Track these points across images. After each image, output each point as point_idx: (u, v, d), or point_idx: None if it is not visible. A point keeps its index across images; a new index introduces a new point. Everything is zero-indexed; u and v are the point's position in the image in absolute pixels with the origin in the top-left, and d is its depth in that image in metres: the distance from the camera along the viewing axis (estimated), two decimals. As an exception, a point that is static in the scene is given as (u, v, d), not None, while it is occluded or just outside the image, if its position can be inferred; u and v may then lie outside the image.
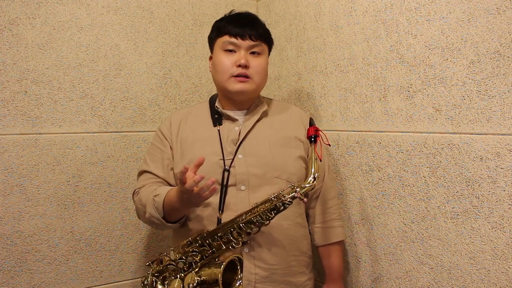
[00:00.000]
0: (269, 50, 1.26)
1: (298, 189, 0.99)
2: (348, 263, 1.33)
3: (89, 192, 1.45)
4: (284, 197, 0.99)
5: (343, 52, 1.33)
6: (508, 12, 0.88)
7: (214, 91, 1.70)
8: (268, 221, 1.02)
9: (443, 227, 1.03)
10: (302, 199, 0.98)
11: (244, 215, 1.03)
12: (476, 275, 0.96)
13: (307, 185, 0.99)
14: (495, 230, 0.92)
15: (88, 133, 1.44)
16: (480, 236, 0.95)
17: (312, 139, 1.04)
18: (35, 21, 1.34)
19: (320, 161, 1.01)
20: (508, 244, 0.89)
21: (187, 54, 1.64)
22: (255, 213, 1.01)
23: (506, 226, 0.90)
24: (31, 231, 1.35)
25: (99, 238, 1.47)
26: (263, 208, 1.01)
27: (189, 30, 1.64)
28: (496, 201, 0.91)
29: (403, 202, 1.13)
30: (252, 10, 1.80)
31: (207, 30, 1.67)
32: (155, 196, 1.10)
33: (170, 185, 1.19)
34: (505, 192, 0.90)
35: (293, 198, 0.99)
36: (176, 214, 1.11)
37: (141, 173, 1.23)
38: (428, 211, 1.06)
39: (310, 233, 1.25)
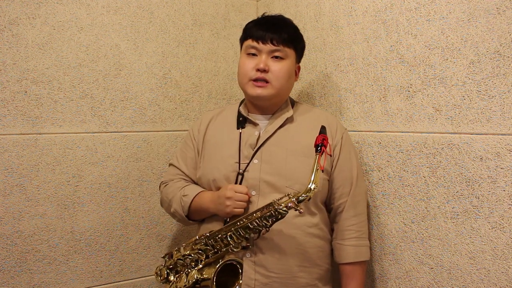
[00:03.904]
0: (299, 55, 1.22)
1: (293, 199, 0.97)
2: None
3: (89, 192, 1.45)
4: (280, 206, 0.98)
5: (343, 52, 1.33)
6: (508, 12, 0.88)
7: (214, 91, 1.71)
8: (266, 228, 1.01)
9: (443, 227, 1.03)
10: (298, 210, 0.96)
11: (243, 219, 1.04)
12: (476, 275, 0.96)
13: (303, 196, 0.96)
14: (495, 230, 0.92)
15: (88, 133, 1.44)
16: (480, 236, 0.95)
17: (318, 149, 0.99)
18: (35, 21, 1.34)
19: (322, 171, 0.98)
20: (508, 244, 0.89)
21: (187, 54, 1.64)
22: (252, 218, 1.02)
23: (506, 226, 0.90)
24: (31, 231, 1.35)
25: (99, 238, 1.47)
26: (260, 214, 1.01)
27: (189, 30, 1.64)
28: (496, 201, 0.91)
29: (403, 202, 1.13)
30: (252, 10, 1.80)
31: (207, 30, 1.68)
32: (183, 195, 1.19)
33: (194, 182, 1.26)
34: (505, 192, 0.90)
35: (288, 208, 0.97)
36: (201, 214, 1.20)
37: (170, 165, 1.33)
38: (428, 211, 1.06)
39: (333, 248, 1.20)
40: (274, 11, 1.70)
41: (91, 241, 1.46)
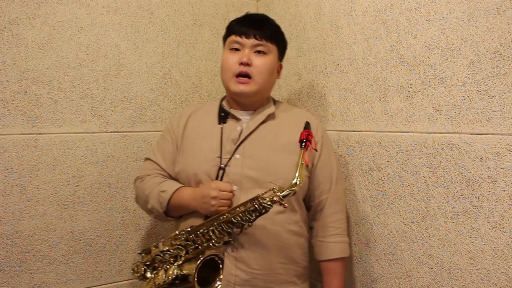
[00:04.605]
0: (281, 52, 1.24)
1: (278, 193, 0.97)
2: (348, 263, 1.33)
3: (89, 192, 1.45)
4: (264, 200, 0.98)
5: (343, 52, 1.33)
6: (508, 12, 0.88)
7: (214, 91, 1.71)
8: (249, 223, 1.01)
9: (443, 227, 1.03)
10: (282, 204, 0.97)
11: (226, 214, 1.03)
12: (476, 275, 0.96)
13: (287, 190, 0.97)
14: (495, 230, 0.92)
15: (88, 133, 1.44)
16: (480, 236, 0.95)
17: (303, 144, 1.01)
18: (35, 21, 1.34)
19: (307, 166, 0.99)
20: (508, 244, 0.89)
21: (187, 54, 1.64)
22: (235, 213, 1.01)
23: (506, 226, 0.90)
24: (31, 231, 1.35)
25: (99, 238, 1.47)
26: (244, 209, 1.01)
27: (189, 30, 1.64)
28: (496, 201, 0.91)
29: (403, 202, 1.13)
30: (252, 10, 1.80)
31: (207, 30, 1.68)
32: (161, 191, 1.16)
33: (171, 177, 1.24)
34: (505, 192, 0.90)
35: (273, 202, 0.98)
36: (181, 211, 1.18)
37: (147, 159, 1.30)
38: (428, 211, 1.06)
39: (313, 245, 1.22)
40: (274, 11, 1.70)
41: (91, 241, 1.46)
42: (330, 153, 1.22)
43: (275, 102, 1.28)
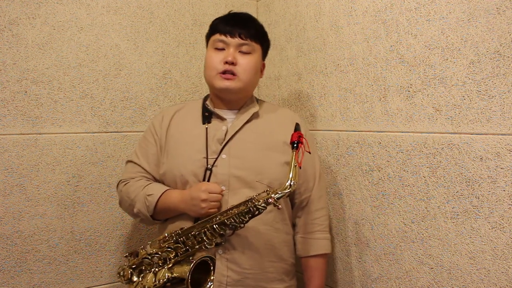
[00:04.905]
0: (264, 51, 1.24)
1: (273, 195, 0.98)
2: (348, 263, 1.33)
3: (89, 192, 1.45)
4: (258, 201, 0.98)
5: (343, 52, 1.33)
6: (508, 12, 0.88)
7: (214, 91, 1.71)
8: (242, 224, 1.01)
9: (443, 227, 1.03)
10: (276, 205, 0.97)
11: (218, 216, 1.03)
12: (476, 275, 0.96)
13: (281, 192, 0.97)
14: (495, 230, 0.92)
15: (88, 133, 1.44)
16: (480, 236, 0.95)
17: (294, 146, 1.00)
18: (35, 21, 1.34)
19: (300, 168, 0.99)
20: (508, 244, 0.90)
21: (187, 54, 1.64)
22: (229, 215, 1.01)
23: (506, 226, 0.90)
24: (31, 231, 1.35)
25: (99, 238, 1.47)
26: (237, 211, 1.00)
27: (189, 30, 1.64)
28: (496, 201, 0.91)
29: (403, 202, 1.13)
30: (252, 10, 1.80)
31: (207, 30, 1.68)
32: (148, 195, 1.14)
33: (156, 179, 1.22)
34: (505, 192, 0.90)
35: (267, 203, 0.98)
36: (168, 214, 1.16)
37: (129, 162, 1.26)
38: (428, 211, 1.06)
39: (295, 242, 1.23)
40: (274, 11, 1.70)
41: (91, 241, 1.46)
42: (312, 151, 1.22)
43: (258, 101, 1.28)
